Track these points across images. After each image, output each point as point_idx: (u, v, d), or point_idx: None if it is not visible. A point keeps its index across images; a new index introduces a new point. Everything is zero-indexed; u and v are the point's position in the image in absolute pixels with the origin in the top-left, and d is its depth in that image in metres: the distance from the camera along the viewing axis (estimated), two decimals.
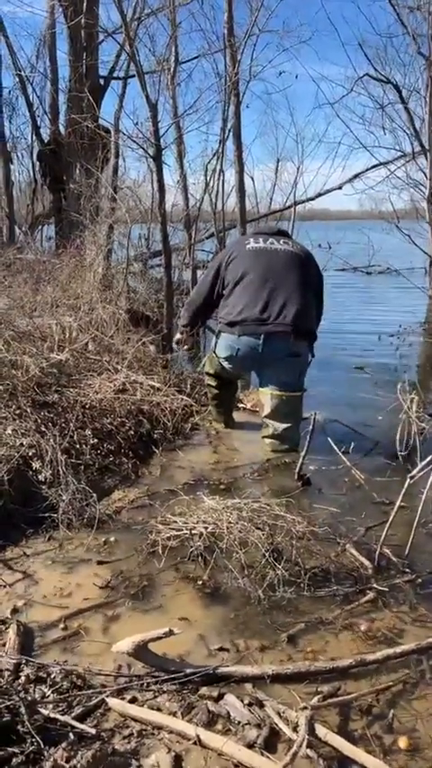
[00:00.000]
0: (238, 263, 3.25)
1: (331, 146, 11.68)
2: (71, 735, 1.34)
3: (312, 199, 9.12)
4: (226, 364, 3.29)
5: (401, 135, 8.96)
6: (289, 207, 8.15)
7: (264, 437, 3.22)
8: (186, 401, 3.57)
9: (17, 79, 8.90)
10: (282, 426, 3.15)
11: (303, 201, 8.77)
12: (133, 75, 5.61)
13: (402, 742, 1.37)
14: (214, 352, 3.33)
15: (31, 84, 9.02)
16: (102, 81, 8.17)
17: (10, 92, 9.37)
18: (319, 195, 9.15)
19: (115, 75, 8.14)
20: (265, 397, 3.18)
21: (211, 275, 3.40)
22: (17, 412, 2.80)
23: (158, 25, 6.81)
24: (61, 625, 1.77)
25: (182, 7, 6.29)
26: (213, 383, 3.47)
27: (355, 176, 9.48)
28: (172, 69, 6.00)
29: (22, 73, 8.75)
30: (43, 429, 2.71)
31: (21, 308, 4.03)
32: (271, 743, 1.35)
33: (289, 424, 3.14)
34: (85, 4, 7.13)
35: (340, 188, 9.35)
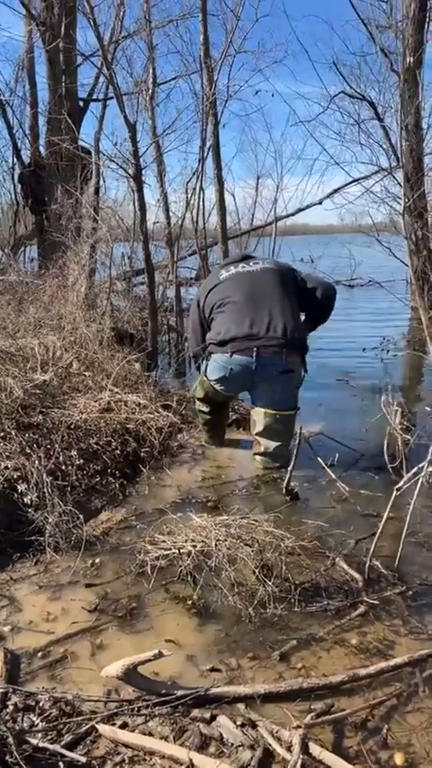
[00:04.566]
0: (216, 293, 3.31)
1: (310, 162, 11.84)
2: (61, 764, 1.32)
3: (293, 214, 9.23)
4: (218, 386, 3.25)
5: (378, 150, 9.09)
6: (270, 223, 8.24)
7: (255, 454, 3.21)
8: (172, 419, 3.55)
9: None
10: (273, 444, 3.13)
11: (284, 217, 8.87)
12: (112, 97, 5.67)
13: (398, 758, 1.35)
14: (205, 375, 3.30)
15: (11, 108, 9.05)
16: (81, 103, 8.23)
17: None
18: (300, 210, 9.26)
19: (94, 97, 8.20)
20: (258, 415, 3.16)
21: (196, 313, 3.47)
22: (1, 434, 2.77)
23: (136, 47, 6.92)
24: (49, 650, 1.73)
25: (158, 30, 6.39)
26: (205, 409, 3.45)
27: (335, 191, 9.59)
28: (150, 90, 6.08)
29: (2, 97, 8.79)
30: (28, 451, 2.68)
31: (3, 329, 4.01)
32: (265, 764, 1.33)
33: (280, 443, 3.13)
34: (62, 28, 7.19)
35: (320, 203, 9.45)
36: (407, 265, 9.14)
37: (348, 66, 8.67)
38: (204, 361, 3.31)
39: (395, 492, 2.03)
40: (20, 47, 8.63)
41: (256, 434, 3.19)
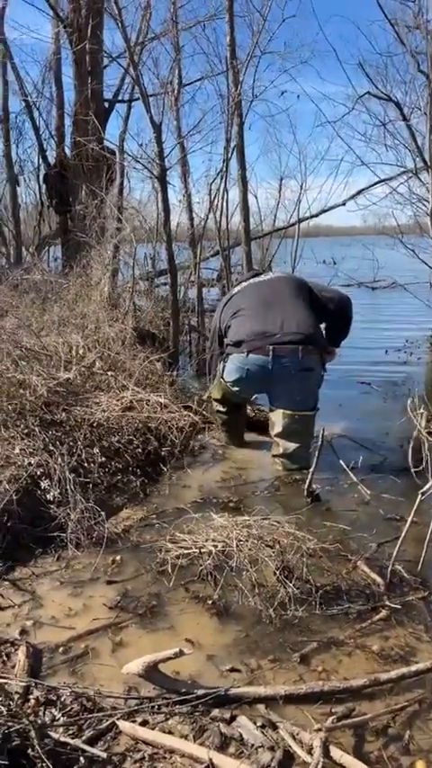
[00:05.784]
0: (231, 305, 3.42)
1: (333, 163, 11.74)
2: (82, 759, 1.33)
3: (316, 215, 9.13)
4: (235, 388, 3.26)
5: (403, 151, 9.00)
6: (293, 224, 8.18)
7: (274, 456, 3.19)
8: (193, 419, 3.56)
9: (23, 104, 9.04)
10: (293, 446, 3.11)
11: (307, 218, 8.78)
12: (138, 98, 5.69)
13: (419, 765, 1.34)
14: (222, 377, 3.31)
15: (38, 109, 9.15)
16: (107, 104, 8.29)
17: (17, 117, 9.53)
18: (323, 212, 9.16)
19: (120, 98, 8.26)
20: (277, 416, 3.15)
21: (217, 331, 3.52)
22: (25, 431, 2.80)
23: (162, 49, 6.92)
24: (70, 646, 1.75)
25: (184, 31, 6.39)
26: (223, 409, 3.46)
27: (359, 192, 9.49)
28: (176, 91, 6.07)
29: (29, 98, 8.89)
30: (51, 448, 2.70)
31: (28, 328, 4.05)
32: (285, 766, 1.33)
33: (299, 444, 3.10)
34: (89, 30, 7.26)
35: (344, 204, 9.36)
36: (431, 268, 9.03)
37: (374, 67, 8.59)
38: (222, 363, 3.33)
39: (420, 496, 2.00)
40: (47, 48, 8.72)
41: (275, 436, 3.17)
